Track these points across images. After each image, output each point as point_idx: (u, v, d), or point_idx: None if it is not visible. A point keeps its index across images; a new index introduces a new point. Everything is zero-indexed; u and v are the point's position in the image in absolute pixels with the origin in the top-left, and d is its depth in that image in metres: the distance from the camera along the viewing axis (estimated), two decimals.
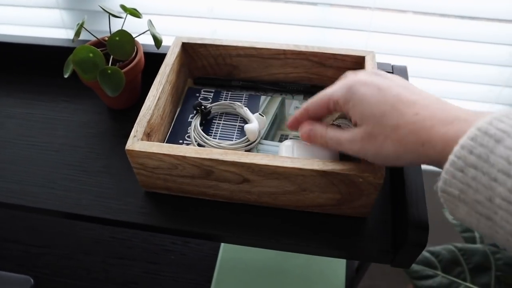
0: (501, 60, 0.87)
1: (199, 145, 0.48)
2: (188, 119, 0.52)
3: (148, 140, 0.45)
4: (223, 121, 0.52)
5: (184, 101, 0.55)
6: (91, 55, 0.49)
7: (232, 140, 0.50)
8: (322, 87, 0.55)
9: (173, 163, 0.42)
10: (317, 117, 0.42)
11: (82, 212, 0.47)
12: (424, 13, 0.83)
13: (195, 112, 0.51)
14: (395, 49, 0.88)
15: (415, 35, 0.86)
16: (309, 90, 0.55)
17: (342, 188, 0.41)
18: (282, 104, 0.54)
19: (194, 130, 0.49)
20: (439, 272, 0.79)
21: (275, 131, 0.51)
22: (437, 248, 0.83)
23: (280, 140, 0.50)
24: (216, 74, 0.57)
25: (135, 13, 0.54)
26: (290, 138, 0.49)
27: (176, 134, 0.50)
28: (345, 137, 0.38)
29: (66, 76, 0.52)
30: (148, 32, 0.55)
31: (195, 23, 0.90)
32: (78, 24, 0.52)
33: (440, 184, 0.30)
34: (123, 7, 0.54)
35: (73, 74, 0.53)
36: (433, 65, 0.91)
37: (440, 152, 0.30)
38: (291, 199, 0.45)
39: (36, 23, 0.97)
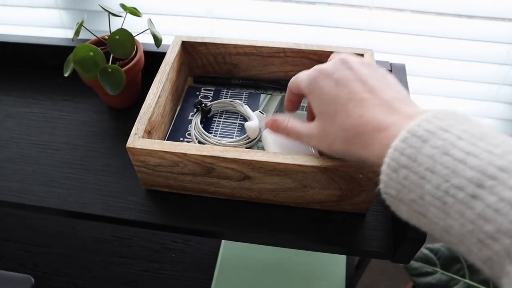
0: (499, 58, 0.88)
1: (199, 142, 0.49)
2: (188, 117, 0.52)
3: (149, 138, 0.45)
4: (223, 119, 0.52)
5: (184, 99, 0.55)
6: (91, 53, 0.49)
7: (232, 138, 0.50)
8: None
9: (174, 161, 0.42)
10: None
11: (83, 211, 0.47)
12: (422, 12, 0.83)
13: (195, 110, 0.52)
14: (393, 47, 0.89)
15: (413, 34, 0.86)
16: None
17: (343, 184, 0.42)
18: (282, 102, 0.54)
19: (194, 128, 0.50)
20: (438, 269, 0.79)
21: None
22: (436, 245, 0.83)
23: None
24: (216, 72, 0.57)
25: (135, 12, 0.54)
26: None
27: (177, 132, 0.51)
28: (303, 131, 0.39)
29: (66, 75, 0.52)
30: (147, 31, 0.55)
31: (193, 23, 0.90)
32: (78, 23, 0.53)
33: (381, 186, 0.31)
34: (123, 6, 0.54)
35: (73, 73, 0.53)
36: (431, 63, 0.92)
37: (378, 156, 0.31)
38: (291, 196, 0.45)
39: (35, 23, 0.97)
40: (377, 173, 0.31)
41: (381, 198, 0.32)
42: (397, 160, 0.29)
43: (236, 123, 0.52)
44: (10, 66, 0.65)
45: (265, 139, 0.46)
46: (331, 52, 0.52)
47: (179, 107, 0.54)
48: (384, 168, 0.30)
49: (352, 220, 0.45)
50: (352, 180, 0.41)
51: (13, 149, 0.53)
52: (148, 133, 0.45)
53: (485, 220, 0.25)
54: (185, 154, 0.41)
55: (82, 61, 0.49)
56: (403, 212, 0.31)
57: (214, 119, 0.52)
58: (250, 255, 0.65)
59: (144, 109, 0.46)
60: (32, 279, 0.64)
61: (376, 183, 0.40)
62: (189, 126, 0.51)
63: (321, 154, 0.43)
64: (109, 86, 0.49)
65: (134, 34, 0.53)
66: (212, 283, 0.63)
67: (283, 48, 0.53)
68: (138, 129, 0.44)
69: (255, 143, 0.49)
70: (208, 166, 0.42)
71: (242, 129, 0.51)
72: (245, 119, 0.52)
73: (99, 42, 0.55)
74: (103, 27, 0.91)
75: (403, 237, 0.40)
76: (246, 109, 0.51)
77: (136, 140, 0.43)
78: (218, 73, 0.57)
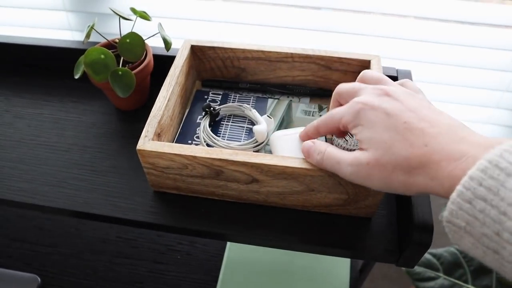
0: (502, 65, 0.88)
1: (208, 145, 0.49)
2: (196, 120, 0.53)
3: (158, 141, 0.46)
4: (231, 122, 0.53)
5: (192, 102, 0.55)
6: (102, 56, 0.49)
7: (240, 141, 0.51)
8: (328, 90, 0.56)
9: (184, 163, 0.43)
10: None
11: (91, 211, 0.48)
12: (426, 18, 0.84)
13: (204, 113, 0.52)
14: (397, 53, 0.89)
15: (418, 40, 0.87)
16: (316, 92, 0.56)
17: (349, 188, 0.42)
18: (289, 107, 0.55)
19: (203, 131, 0.50)
20: (441, 274, 0.80)
21: None
22: (439, 250, 0.84)
23: None
24: (224, 76, 0.58)
25: (144, 16, 0.55)
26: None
27: (185, 135, 0.51)
28: (346, 158, 0.36)
29: (77, 77, 0.53)
30: (157, 35, 0.55)
31: (201, 27, 0.91)
32: (89, 26, 0.53)
33: (445, 214, 0.30)
34: (133, 10, 0.54)
35: (82, 76, 0.54)
36: (435, 69, 0.92)
37: (447, 189, 0.30)
38: (298, 199, 0.45)
39: (42, 25, 0.98)
40: None
41: (444, 225, 0.30)
42: (473, 191, 0.28)
43: (243, 126, 0.52)
44: (21, 67, 0.66)
45: (273, 143, 0.47)
46: (338, 58, 0.53)
47: (187, 110, 0.54)
48: (454, 197, 0.29)
49: (358, 224, 0.46)
50: (359, 185, 0.42)
51: (23, 149, 0.54)
52: (158, 136, 0.46)
53: None
54: (195, 157, 0.42)
55: (93, 63, 0.50)
56: (467, 244, 0.29)
57: (222, 122, 0.53)
58: (255, 258, 0.65)
59: (154, 112, 0.46)
60: (39, 279, 0.65)
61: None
62: (197, 129, 0.52)
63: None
64: (120, 89, 0.50)
65: (144, 37, 0.54)
66: (217, 285, 0.63)
67: (291, 53, 0.53)
68: (148, 131, 0.44)
69: (262, 146, 0.50)
70: (217, 169, 0.43)
71: (250, 133, 0.51)
72: (252, 123, 0.52)
73: (109, 45, 0.56)
74: (111, 30, 0.92)
75: (408, 242, 0.41)
76: (254, 113, 0.51)
77: (146, 142, 0.43)
78: (226, 77, 0.58)
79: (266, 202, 0.47)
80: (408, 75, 0.56)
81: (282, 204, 0.47)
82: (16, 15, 0.98)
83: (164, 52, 0.59)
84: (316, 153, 0.40)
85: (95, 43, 0.58)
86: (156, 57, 0.59)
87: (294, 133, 0.46)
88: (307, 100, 0.56)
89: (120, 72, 0.50)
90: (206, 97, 0.56)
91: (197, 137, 0.51)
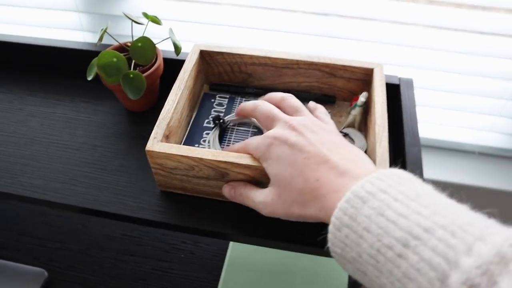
0: (506, 73, 0.90)
1: None
2: (203, 123, 0.55)
3: (166, 142, 0.47)
4: (236, 129, 0.54)
5: (200, 106, 0.57)
6: (115, 59, 0.51)
7: None
8: (332, 97, 0.58)
9: (191, 165, 0.45)
10: None
11: (100, 208, 0.49)
12: (432, 26, 0.85)
13: (213, 125, 0.53)
14: (403, 61, 0.91)
15: (423, 48, 0.88)
16: (320, 99, 0.57)
17: None
18: None
19: (212, 145, 0.51)
20: None
21: None
22: None
23: None
24: (231, 81, 0.60)
25: (156, 20, 0.57)
26: None
27: (192, 138, 0.53)
28: (258, 196, 0.42)
29: (89, 78, 0.55)
30: (167, 39, 0.57)
31: (209, 31, 0.92)
32: (102, 29, 0.55)
33: (328, 244, 0.33)
34: (145, 14, 0.56)
35: (94, 77, 0.56)
36: (439, 77, 0.94)
37: (328, 218, 0.33)
38: None
39: (55, 26, 1.00)
40: None
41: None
42: (340, 219, 0.31)
43: (249, 131, 0.54)
44: (35, 67, 0.68)
45: None
46: (342, 65, 0.54)
47: (195, 113, 0.56)
48: (330, 227, 0.33)
49: None
50: None
51: (36, 147, 0.56)
52: (166, 138, 0.47)
53: (409, 279, 0.27)
54: (201, 159, 0.44)
55: (106, 66, 0.51)
56: (349, 269, 0.33)
57: (226, 131, 0.54)
58: (256, 258, 0.67)
59: (163, 114, 0.48)
60: (46, 273, 0.67)
61: None
62: (204, 132, 0.53)
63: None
64: (131, 91, 0.52)
65: (154, 41, 0.56)
66: (218, 284, 0.65)
67: (297, 60, 0.55)
68: (157, 133, 0.46)
69: None
70: (222, 171, 0.45)
71: None
72: (259, 130, 0.54)
73: (121, 48, 0.57)
74: (122, 31, 0.94)
75: None
76: None
77: (155, 144, 0.45)
78: (233, 81, 0.60)
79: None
80: (410, 83, 0.58)
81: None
82: (30, 15, 1.00)
83: (174, 56, 0.61)
84: (237, 195, 0.45)
85: (107, 45, 0.60)
86: (166, 60, 0.61)
87: None
88: None
89: (131, 75, 0.52)
90: (213, 100, 0.57)
91: (204, 140, 0.53)
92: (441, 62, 0.90)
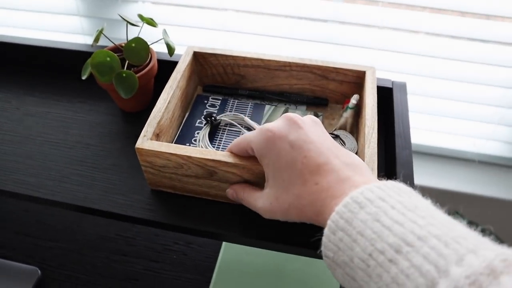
0: (506, 82, 0.89)
1: None
2: (195, 124, 0.55)
3: (157, 141, 0.48)
4: (227, 131, 0.54)
5: (192, 107, 0.58)
6: (108, 59, 0.52)
7: None
8: (324, 99, 0.58)
9: (179, 163, 0.45)
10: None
11: (91, 206, 0.49)
12: (434, 34, 0.85)
13: (205, 122, 0.54)
14: (399, 67, 0.91)
15: (422, 55, 0.88)
16: (312, 101, 0.58)
17: None
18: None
19: (202, 140, 0.52)
20: None
21: None
22: None
23: None
24: (225, 82, 0.60)
25: (151, 22, 0.58)
26: None
27: (184, 138, 0.53)
28: (258, 205, 0.41)
29: (84, 78, 0.55)
30: (162, 40, 0.58)
31: (206, 35, 0.93)
32: (98, 30, 0.56)
33: (322, 248, 0.33)
34: (140, 16, 0.57)
35: (89, 77, 0.57)
36: (438, 84, 0.94)
37: (325, 222, 0.33)
38: None
39: (57, 29, 1.01)
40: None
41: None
42: (336, 223, 0.31)
43: (240, 131, 0.54)
44: (32, 68, 0.69)
45: None
46: (334, 68, 0.55)
47: (187, 114, 0.57)
48: (325, 230, 0.32)
49: None
50: None
51: (30, 145, 0.56)
52: (157, 136, 0.48)
53: (397, 284, 0.27)
54: (189, 157, 0.44)
55: (99, 65, 0.52)
56: (339, 275, 0.32)
57: (218, 130, 0.54)
58: (249, 260, 0.67)
59: (154, 113, 0.48)
60: (39, 271, 0.67)
61: None
62: (195, 132, 0.54)
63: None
64: (123, 90, 0.52)
65: (149, 43, 0.57)
66: (210, 285, 0.65)
67: (289, 62, 0.55)
68: (147, 131, 0.46)
69: None
70: (210, 170, 0.45)
71: None
72: (248, 131, 0.54)
73: (116, 49, 0.58)
74: (120, 35, 0.95)
75: None
76: (253, 124, 0.53)
77: (145, 141, 0.45)
78: (226, 83, 0.60)
79: None
80: (403, 87, 0.58)
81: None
82: (33, 19, 1.02)
83: (169, 58, 0.62)
84: (239, 199, 0.45)
85: (103, 47, 0.61)
86: (161, 62, 0.61)
87: None
88: (303, 108, 0.58)
89: (124, 74, 0.52)
90: (206, 101, 0.58)
91: (195, 140, 0.53)
92: (442, 70, 0.90)
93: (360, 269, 0.29)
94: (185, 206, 0.49)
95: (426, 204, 0.31)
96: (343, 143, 0.52)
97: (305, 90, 0.58)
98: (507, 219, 1.12)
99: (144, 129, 0.47)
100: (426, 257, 0.26)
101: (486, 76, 0.90)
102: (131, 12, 0.94)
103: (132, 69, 0.56)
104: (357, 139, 0.53)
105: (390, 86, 0.58)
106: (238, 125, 0.54)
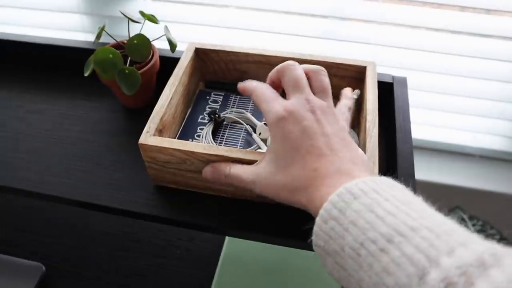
0: (505, 76, 0.90)
1: None
2: (198, 119, 0.55)
3: (160, 136, 0.48)
4: (229, 128, 0.55)
5: (195, 102, 0.58)
6: (110, 56, 0.52)
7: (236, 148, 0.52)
8: None
9: (182, 158, 0.45)
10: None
11: (93, 201, 0.50)
12: (434, 29, 0.85)
13: (208, 119, 0.54)
14: (401, 62, 0.91)
15: (422, 50, 0.89)
16: None
17: None
18: None
19: (205, 137, 0.52)
20: None
21: None
22: None
23: None
24: (226, 78, 0.60)
25: (152, 19, 0.58)
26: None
27: (186, 133, 0.54)
28: (249, 178, 0.40)
29: (86, 74, 0.56)
30: (164, 37, 0.58)
31: (208, 32, 0.94)
32: (99, 27, 0.56)
33: (312, 237, 0.33)
34: (142, 13, 0.57)
35: (92, 74, 0.57)
36: (439, 79, 0.94)
37: (315, 210, 0.34)
38: None
39: (58, 27, 1.02)
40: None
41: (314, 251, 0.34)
42: (328, 212, 0.32)
43: (242, 129, 0.54)
44: (35, 65, 0.69)
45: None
46: (335, 63, 0.55)
47: (189, 110, 0.57)
48: (317, 219, 0.33)
49: None
50: None
51: (34, 142, 0.57)
52: (160, 132, 0.48)
53: (388, 273, 0.27)
54: (193, 152, 0.44)
55: (102, 62, 0.52)
56: (328, 265, 0.33)
57: (220, 127, 0.55)
58: (251, 255, 0.67)
59: (156, 109, 0.49)
60: (43, 267, 0.67)
61: None
62: (198, 128, 0.54)
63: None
64: (126, 87, 0.53)
65: (151, 40, 0.57)
66: (213, 280, 0.65)
67: (290, 58, 0.56)
68: (150, 127, 0.47)
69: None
70: None
71: (246, 142, 0.53)
72: (248, 132, 0.54)
73: (118, 46, 0.58)
74: (122, 32, 0.95)
75: None
76: (256, 121, 0.53)
77: (148, 137, 0.46)
78: (228, 79, 0.60)
79: (261, 199, 0.49)
80: (403, 82, 0.58)
81: (277, 202, 0.49)
82: (34, 16, 1.02)
83: (171, 54, 0.62)
84: (221, 175, 0.43)
85: (105, 44, 0.61)
86: (163, 58, 0.61)
87: None
88: None
89: (126, 71, 0.53)
90: (208, 97, 0.58)
91: (198, 136, 0.53)
92: (442, 65, 0.91)
93: (350, 258, 0.30)
94: (188, 201, 0.49)
95: (419, 200, 0.32)
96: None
97: None
98: (507, 213, 1.12)
99: (147, 125, 0.47)
100: (417, 247, 0.26)
101: (486, 70, 0.90)
102: (131, 9, 0.94)
103: (134, 65, 0.56)
104: (358, 134, 0.53)
105: (391, 81, 0.59)
106: (242, 122, 0.54)
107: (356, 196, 0.31)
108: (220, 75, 0.60)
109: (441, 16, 0.83)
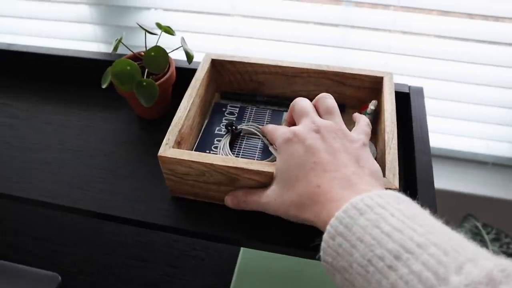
0: None
1: None
2: (214, 131, 0.55)
3: (178, 148, 0.48)
4: (246, 139, 0.55)
5: (211, 114, 0.58)
6: (128, 68, 0.53)
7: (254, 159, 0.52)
8: (341, 105, 0.58)
9: (201, 170, 0.45)
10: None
11: (112, 213, 0.50)
12: (446, 37, 0.85)
13: (226, 131, 0.54)
14: (414, 70, 0.91)
15: (434, 58, 0.88)
16: None
17: None
18: None
19: (222, 149, 0.52)
20: None
21: None
22: None
23: None
24: (242, 89, 0.60)
25: (169, 30, 0.58)
26: None
27: (204, 145, 0.54)
28: (263, 201, 0.43)
29: (104, 86, 0.56)
30: (179, 48, 0.59)
31: (220, 40, 0.94)
32: (117, 39, 0.57)
33: (320, 253, 0.33)
34: (158, 25, 0.58)
35: (108, 85, 0.57)
36: (451, 86, 0.94)
37: (325, 224, 0.34)
38: None
39: (71, 37, 1.03)
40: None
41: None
42: (335, 228, 0.32)
43: (259, 140, 0.54)
44: (51, 76, 0.70)
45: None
46: (351, 74, 0.55)
47: (206, 121, 0.57)
48: (324, 235, 0.33)
49: None
50: None
51: (50, 153, 0.57)
52: (178, 144, 0.48)
53: None
54: (212, 164, 0.44)
55: (120, 74, 0.53)
56: (337, 281, 0.33)
57: (237, 139, 0.55)
58: (267, 265, 0.67)
59: (175, 121, 0.49)
60: (59, 277, 0.68)
61: None
62: (215, 140, 0.54)
63: None
64: (144, 98, 0.53)
65: (167, 51, 0.57)
66: None
67: (307, 69, 0.56)
68: (169, 139, 0.47)
69: None
70: (232, 177, 0.45)
71: (263, 152, 0.53)
72: (265, 144, 0.54)
73: (135, 57, 0.59)
74: (135, 42, 0.96)
75: None
76: None
77: (167, 149, 0.46)
78: (244, 90, 0.60)
79: None
80: (420, 92, 0.58)
81: None
82: (47, 27, 1.03)
83: (187, 65, 0.62)
84: (241, 202, 0.46)
85: (121, 55, 0.62)
86: (179, 69, 0.62)
87: None
88: None
89: (144, 83, 0.53)
90: (224, 109, 0.58)
91: (215, 147, 0.53)
92: (454, 72, 0.90)
93: (359, 274, 0.30)
94: (206, 213, 0.49)
95: (425, 213, 0.32)
96: None
97: None
98: None
99: (166, 137, 0.47)
100: (425, 264, 0.26)
101: (498, 77, 0.90)
102: (144, 19, 0.95)
103: (151, 77, 0.56)
104: (375, 145, 0.53)
105: (407, 91, 0.58)
106: (259, 133, 0.54)
107: (362, 212, 0.31)
108: (236, 86, 0.60)
109: (450, 23, 0.83)
